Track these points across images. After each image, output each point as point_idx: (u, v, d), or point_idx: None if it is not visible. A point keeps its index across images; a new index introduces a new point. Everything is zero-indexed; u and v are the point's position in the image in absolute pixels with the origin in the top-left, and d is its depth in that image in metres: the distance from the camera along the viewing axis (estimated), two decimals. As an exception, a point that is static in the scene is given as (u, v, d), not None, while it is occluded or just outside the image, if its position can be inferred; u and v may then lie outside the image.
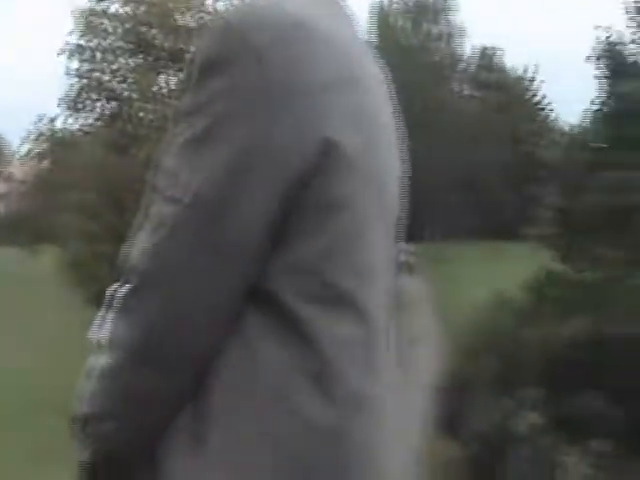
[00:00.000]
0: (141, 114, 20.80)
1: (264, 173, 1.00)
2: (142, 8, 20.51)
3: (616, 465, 14.81)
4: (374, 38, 40.27)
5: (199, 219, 1.00)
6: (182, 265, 1.01)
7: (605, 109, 18.09)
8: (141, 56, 20.87)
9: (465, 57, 46.66)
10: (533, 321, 17.33)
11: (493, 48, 45.34)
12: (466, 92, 46.19)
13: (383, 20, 44.77)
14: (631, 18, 17.72)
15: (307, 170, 1.01)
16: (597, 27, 17.96)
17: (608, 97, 18.02)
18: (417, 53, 42.86)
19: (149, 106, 20.52)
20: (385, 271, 1.14)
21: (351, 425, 1.05)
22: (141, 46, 20.53)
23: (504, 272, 23.06)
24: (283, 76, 1.00)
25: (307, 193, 1.02)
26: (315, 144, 1.01)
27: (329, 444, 1.03)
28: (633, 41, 17.83)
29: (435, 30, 45.71)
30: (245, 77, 1.00)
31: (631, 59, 17.87)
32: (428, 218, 38.63)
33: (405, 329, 1.29)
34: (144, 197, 1.08)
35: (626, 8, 17.74)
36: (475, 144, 39.92)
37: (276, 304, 1.02)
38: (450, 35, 45.70)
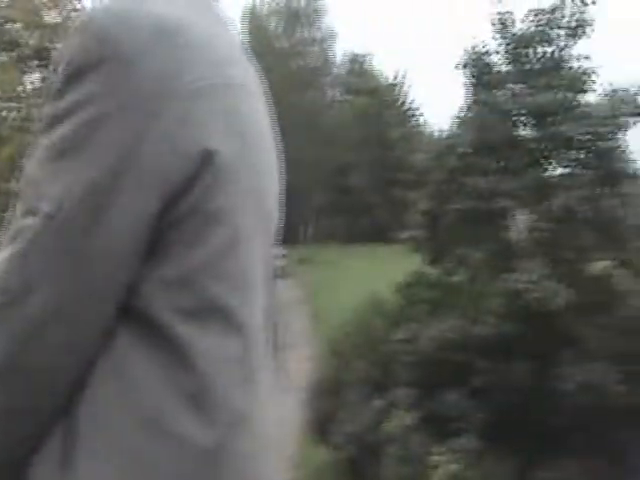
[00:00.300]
0: (4, 113, 19.98)
1: (134, 184, 0.94)
2: (5, 1, 19.72)
3: (482, 461, 15.32)
4: (246, 41, 40.10)
5: (62, 231, 0.94)
6: (44, 279, 0.94)
7: (471, 116, 18.71)
8: (4, 53, 20.05)
9: (336, 62, 47.37)
10: (404, 323, 17.69)
11: (364, 54, 46.26)
12: (338, 96, 46.86)
13: (255, 23, 44.80)
14: (496, 30, 18.44)
15: (183, 180, 0.95)
16: (464, 37, 18.60)
17: (474, 104, 18.66)
18: (289, 57, 43.13)
19: (13, 105, 19.73)
20: (263, 281, 1.09)
21: (229, 444, 1.00)
22: (4, 43, 19.71)
23: (376, 275, 23.47)
24: (154, 82, 0.94)
25: (184, 204, 0.96)
26: (192, 153, 0.95)
27: (207, 465, 0.98)
28: (497, 52, 18.56)
29: (307, 34, 46.12)
30: (113, 83, 0.94)
31: (495, 69, 18.57)
32: (302, 221, 38.90)
33: (278, 333, 1.25)
34: (9, 203, 1.01)
35: (491, 20, 18.46)
36: (347, 148, 40.52)
37: (150, 321, 0.96)
38: (322, 40, 46.23)
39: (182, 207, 0.96)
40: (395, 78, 45.41)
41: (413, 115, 45.68)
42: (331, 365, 19.42)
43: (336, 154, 39.97)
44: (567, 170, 17.95)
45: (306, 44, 46.12)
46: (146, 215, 0.95)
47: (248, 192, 1.03)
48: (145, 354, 0.96)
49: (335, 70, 47.33)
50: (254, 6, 46.42)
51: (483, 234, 17.64)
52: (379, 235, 35.40)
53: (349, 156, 40.34)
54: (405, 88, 45.73)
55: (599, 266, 17.06)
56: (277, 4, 46.76)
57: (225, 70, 1.03)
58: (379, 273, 22.93)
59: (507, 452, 15.24)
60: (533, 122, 18.02)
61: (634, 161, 17.04)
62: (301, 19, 46.03)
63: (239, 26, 41.89)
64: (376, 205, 39.66)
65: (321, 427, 17.78)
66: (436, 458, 15.27)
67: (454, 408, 15.87)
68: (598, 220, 16.51)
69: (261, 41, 40.24)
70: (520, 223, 18.13)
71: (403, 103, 45.42)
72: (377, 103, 42.45)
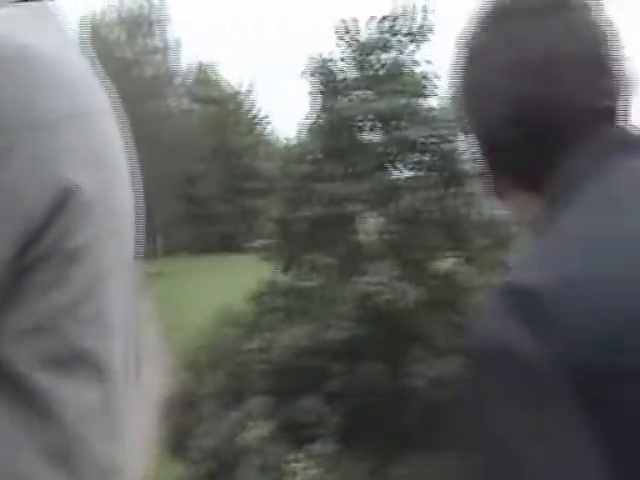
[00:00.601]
0: None
1: None
2: None
3: (340, 464, 15.46)
4: (88, 52, 39.12)
5: None
6: None
7: (319, 123, 18.91)
8: None
9: (181, 71, 47.00)
10: (258, 332, 17.63)
11: (210, 63, 46.15)
12: (183, 106, 46.44)
13: (95, 32, 43.64)
14: (340, 38, 18.72)
15: (40, 221, 0.88)
16: (309, 45, 18.82)
17: (322, 111, 18.87)
18: (132, 66, 42.33)
19: None
20: (126, 313, 1.03)
21: None
22: None
23: (229, 285, 23.28)
24: (5, 115, 0.86)
25: (41, 246, 0.88)
26: (48, 191, 0.88)
27: None
28: (343, 59, 18.85)
29: (150, 43, 45.47)
30: None
31: (341, 76, 18.85)
32: (150, 234, 38.13)
33: (137, 352, 1.15)
34: None
35: (336, 28, 18.73)
36: (195, 157, 40.17)
37: (5, 370, 0.89)
38: (166, 49, 45.71)
39: (39, 249, 0.88)
40: (242, 87, 45.57)
41: (261, 123, 45.95)
42: (186, 379, 19.08)
43: (184, 164, 39.54)
44: (413, 173, 18.46)
45: (149, 53, 45.46)
46: (2, 260, 0.87)
47: (110, 225, 0.97)
48: (4, 411, 0.89)
49: (181, 79, 46.97)
50: (94, 14, 45.27)
51: (334, 239, 17.86)
52: (230, 245, 35.29)
53: (197, 165, 40.02)
54: (252, 97, 45.98)
55: (446, 264, 17.64)
56: (118, 13, 45.83)
57: (79, 97, 0.96)
58: (231, 283, 22.79)
59: (364, 453, 15.45)
60: (380, 127, 18.43)
61: (474, 162, 17.73)
62: (143, 28, 45.34)
63: (79, 36, 40.74)
64: (226, 214, 39.54)
65: (178, 443, 17.42)
66: (294, 465, 15.28)
67: (310, 414, 15.96)
68: (443, 220, 17.09)
69: (102, 51, 39.23)
70: (369, 226, 18.49)
71: (250, 111, 45.59)
72: (224, 112, 42.40)
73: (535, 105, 1.02)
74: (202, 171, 40.17)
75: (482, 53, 1.07)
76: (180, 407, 18.07)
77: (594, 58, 1.03)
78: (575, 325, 0.86)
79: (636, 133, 1.05)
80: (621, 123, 1.06)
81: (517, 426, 0.88)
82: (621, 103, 1.06)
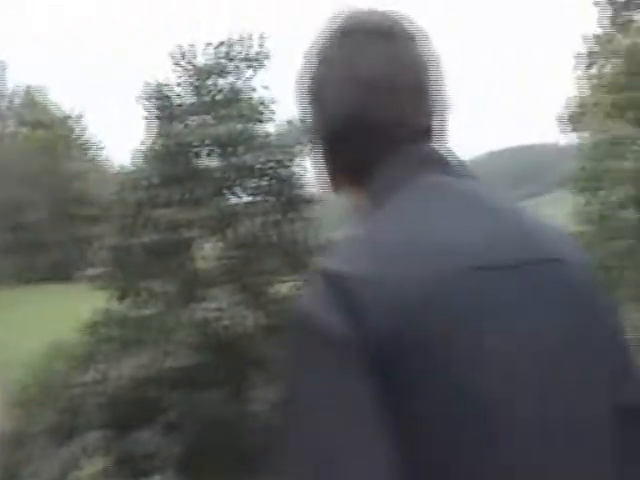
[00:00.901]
0: None
1: None
2: None
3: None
4: None
5: None
6: None
7: (155, 148, 18.54)
8: None
9: (7, 94, 45.09)
10: (93, 364, 16.92)
11: (38, 86, 44.48)
12: (9, 129, 44.52)
13: None
14: (176, 63, 18.49)
15: None
16: (145, 70, 18.47)
17: (158, 137, 18.52)
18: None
19: None
20: None
21: None
22: None
23: (60, 316, 22.24)
24: None
25: None
26: None
27: None
28: (179, 84, 18.61)
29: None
30: None
31: (178, 101, 18.60)
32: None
33: None
34: None
35: (172, 53, 18.49)
36: (21, 183, 38.40)
37: None
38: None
39: None
40: (73, 111, 44.20)
41: (93, 149, 44.70)
42: (15, 417, 18.01)
43: (9, 189, 37.68)
44: (251, 198, 18.43)
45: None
46: None
47: None
48: None
49: (7, 102, 44.98)
50: None
51: (171, 266, 17.50)
52: (61, 274, 33.84)
53: (24, 191, 38.25)
54: (84, 121, 44.69)
55: (284, 288, 17.67)
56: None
57: None
58: (63, 315, 21.80)
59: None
60: (217, 152, 18.31)
61: (310, 186, 17.98)
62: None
63: None
64: (56, 242, 37.94)
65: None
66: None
67: (148, 446, 15.46)
68: (282, 244, 17.15)
69: None
70: (207, 252, 18.29)
71: (82, 136, 44.26)
72: (54, 136, 40.89)
73: (358, 117, 1.19)
74: (30, 197, 38.42)
75: (324, 65, 1.23)
76: (8, 447, 17.03)
77: (414, 83, 1.21)
78: (374, 308, 1.02)
79: (442, 152, 1.22)
80: (436, 140, 1.24)
81: (316, 396, 1.01)
82: (437, 124, 1.24)
